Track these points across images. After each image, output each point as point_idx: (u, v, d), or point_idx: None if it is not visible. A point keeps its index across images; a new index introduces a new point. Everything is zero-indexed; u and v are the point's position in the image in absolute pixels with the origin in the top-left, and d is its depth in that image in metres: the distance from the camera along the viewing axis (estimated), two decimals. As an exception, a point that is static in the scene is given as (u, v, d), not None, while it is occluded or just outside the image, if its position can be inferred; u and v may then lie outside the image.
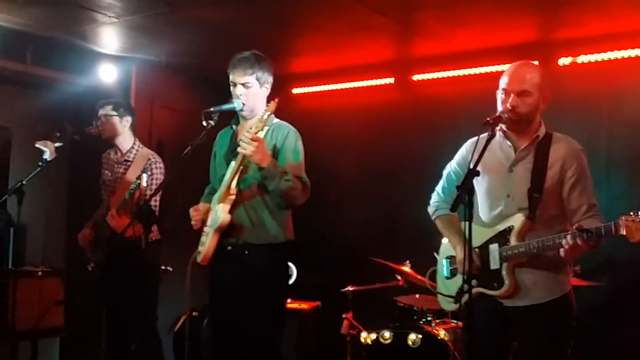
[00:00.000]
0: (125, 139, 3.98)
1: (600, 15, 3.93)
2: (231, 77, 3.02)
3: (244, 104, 2.99)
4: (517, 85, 2.53)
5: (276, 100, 2.86)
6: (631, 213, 2.23)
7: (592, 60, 4.30)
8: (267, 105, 3.04)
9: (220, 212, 2.92)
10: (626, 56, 4.19)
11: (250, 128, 2.86)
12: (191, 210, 3.05)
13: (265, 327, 2.96)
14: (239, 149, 2.83)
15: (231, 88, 3.05)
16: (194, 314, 4.73)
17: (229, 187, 2.94)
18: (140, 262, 3.74)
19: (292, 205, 2.97)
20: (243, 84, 2.98)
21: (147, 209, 3.59)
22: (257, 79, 2.99)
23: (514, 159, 2.60)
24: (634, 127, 4.17)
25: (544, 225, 2.52)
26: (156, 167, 3.88)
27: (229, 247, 2.96)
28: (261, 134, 2.89)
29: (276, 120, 3.09)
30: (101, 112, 3.95)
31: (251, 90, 2.99)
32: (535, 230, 2.52)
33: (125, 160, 3.94)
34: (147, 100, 5.16)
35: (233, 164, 2.97)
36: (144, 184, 3.67)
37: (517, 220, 2.53)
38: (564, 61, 4.38)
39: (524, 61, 2.64)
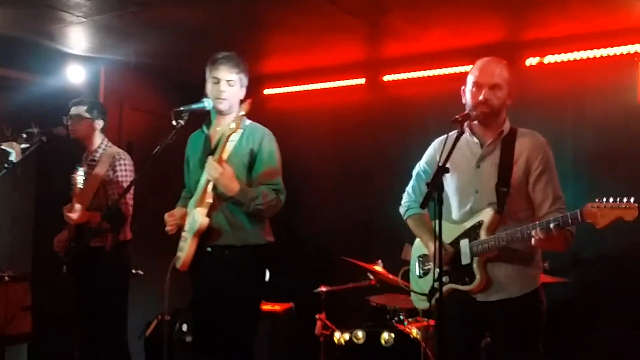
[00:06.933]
0: (93, 141, 3.91)
1: (565, 16, 4.01)
2: (213, 73, 3.00)
3: (223, 100, 2.98)
4: (489, 79, 2.58)
5: (250, 101, 2.87)
6: (596, 200, 2.28)
7: (559, 61, 4.39)
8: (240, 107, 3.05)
9: (197, 216, 2.90)
10: (591, 56, 4.29)
11: (218, 142, 2.87)
12: (166, 216, 3.03)
13: (240, 328, 2.95)
14: (206, 175, 2.87)
15: (208, 85, 3.03)
16: (166, 317, 4.67)
17: (205, 191, 2.93)
18: (108, 264, 3.67)
19: (265, 217, 3.03)
20: (228, 81, 2.98)
21: (115, 210, 3.54)
22: (240, 80, 3.02)
23: (480, 155, 2.63)
24: (599, 126, 4.26)
25: (513, 219, 2.55)
26: (120, 164, 3.77)
27: (209, 249, 2.95)
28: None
29: (249, 122, 3.08)
30: (73, 110, 3.85)
31: (233, 89, 3.01)
32: (505, 224, 2.55)
33: (92, 160, 3.87)
34: (116, 101, 5.09)
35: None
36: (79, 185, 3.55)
37: (486, 215, 2.56)
38: (531, 61, 4.46)
39: (492, 57, 2.68)
